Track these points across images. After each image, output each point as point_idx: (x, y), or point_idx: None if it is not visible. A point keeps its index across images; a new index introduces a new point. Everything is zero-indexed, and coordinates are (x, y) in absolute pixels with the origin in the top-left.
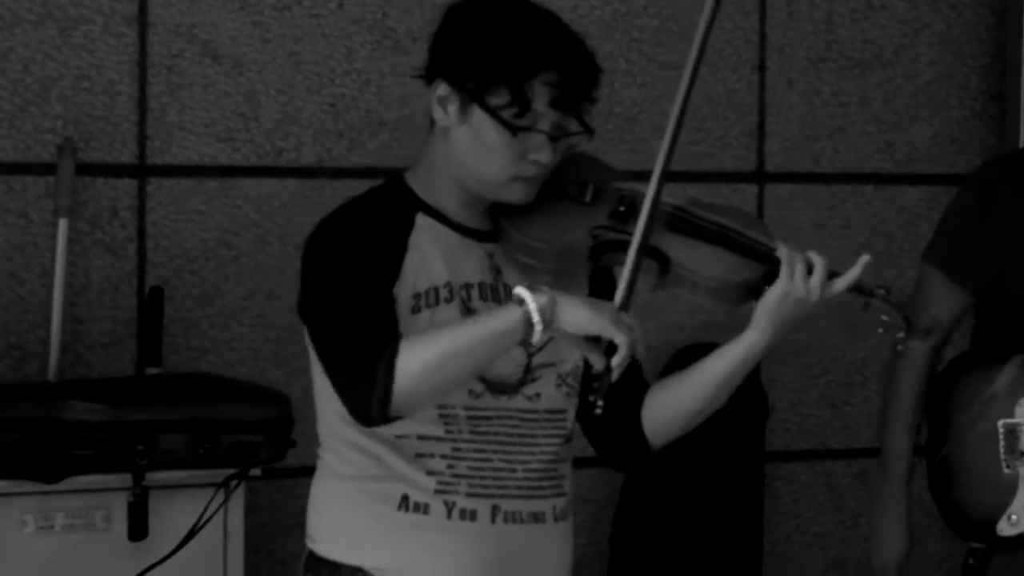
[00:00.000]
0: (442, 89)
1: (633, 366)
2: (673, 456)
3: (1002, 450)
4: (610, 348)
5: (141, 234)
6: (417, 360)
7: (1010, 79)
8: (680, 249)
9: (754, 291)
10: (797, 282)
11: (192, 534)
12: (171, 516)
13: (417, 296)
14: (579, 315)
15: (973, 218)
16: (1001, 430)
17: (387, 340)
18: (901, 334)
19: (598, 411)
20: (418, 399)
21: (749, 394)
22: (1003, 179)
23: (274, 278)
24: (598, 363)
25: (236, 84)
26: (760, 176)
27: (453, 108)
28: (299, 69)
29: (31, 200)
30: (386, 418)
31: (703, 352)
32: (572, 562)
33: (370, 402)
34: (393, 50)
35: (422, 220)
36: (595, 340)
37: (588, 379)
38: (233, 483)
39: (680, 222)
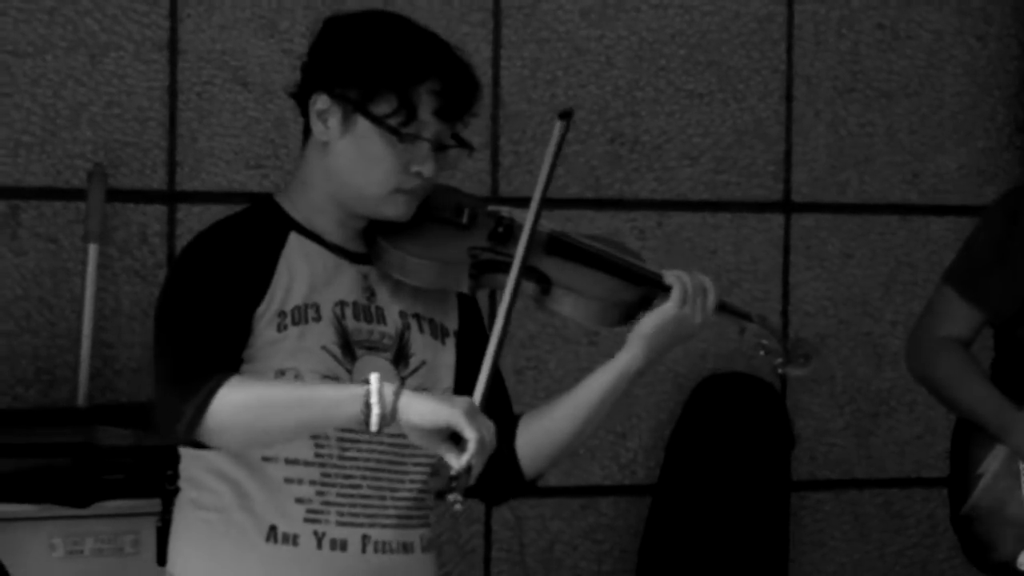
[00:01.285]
0: (322, 102)
1: (500, 396)
2: (700, 485)
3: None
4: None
5: (170, 260)
6: (240, 395)
7: None
8: (559, 270)
9: (631, 313)
10: (687, 307)
11: None
12: None
13: (283, 314)
14: (423, 406)
15: (996, 243)
16: (1023, 468)
17: (220, 367)
18: (779, 359)
19: (457, 508)
20: (228, 433)
21: (775, 423)
22: None
23: None
24: (454, 461)
25: (265, 111)
26: (787, 206)
27: (334, 120)
28: None
29: (61, 225)
30: (190, 438)
31: (728, 381)
32: None
33: (180, 415)
34: None
35: (295, 239)
36: (451, 438)
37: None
38: None
39: (558, 245)
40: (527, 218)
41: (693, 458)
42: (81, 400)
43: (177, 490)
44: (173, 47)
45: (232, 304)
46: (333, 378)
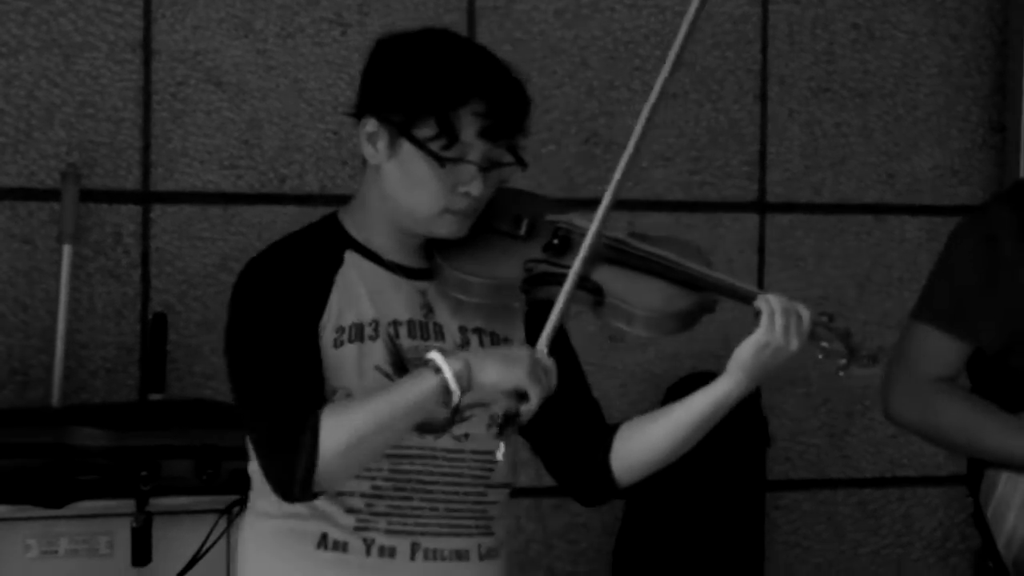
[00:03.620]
0: (371, 125)
1: (590, 407)
2: (675, 485)
3: None
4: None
5: (145, 260)
6: (339, 438)
7: (1011, 110)
8: (614, 280)
9: (689, 320)
10: (777, 333)
11: (195, 560)
12: (174, 542)
13: (340, 330)
14: (494, 374)
15: (981, 270)
16: None
17: (309, 409)
18: (843, 360)
19: (499, 455)
20: (342, 475)
21: (750, 423)
22: (1005, 227)
23: None
24: (510, 407)
25: (239, 111)
26: (761, 206)
27: (382, 144)
28: (302, 97)
29: (35, 226)
30: (309, 495)
31: (703, 381)
32: None
33: (292, 480)
34: None
35: (351, 257)
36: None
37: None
38: (236, 510)
39: (614, 253)
40: (592, 223)
41: None
42: (55, 400)
43: (150, 491)
44: (147, 47)
45: (300, 328)
46: None
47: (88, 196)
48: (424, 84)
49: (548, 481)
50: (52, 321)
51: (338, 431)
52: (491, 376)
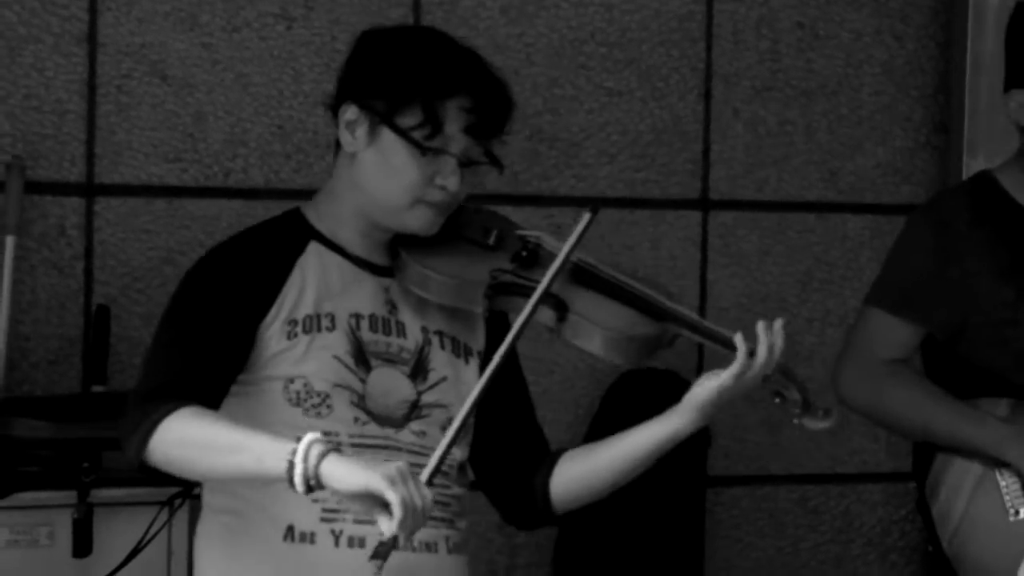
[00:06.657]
0: (351, 113)
1: (533, 430)
2: None
3: (1006, 497)
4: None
5: (88, 252)
6: (180, 432)
7: (953, 110)
8: (579, 298)
9: (649, 347)
10: (749, 374)
11: (136, 551)
12: (115, 533)
13: (293, 323)
14: (345, 471)
15: (933, 255)
16: (999, 477)
17: (177, 397)
18: (797, 410)
19: (376, 573)
20: (168, 465)
21: None
22: (958, 214)
23: None
24: (384, 527)
25: (184, 104)
26: (704, 203)
27: (361, 131)
28: (247, 91)
29: None
30: (139, 463)
31: (645, 377)
32: None
33: (128, 447)
34: None
35: (314, 248)
36: (385, 504)
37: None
38: (177, 502)
39: (583, 274)
40: (562, 249)
41: None
42: None
43: (91, 483)
44: (92, 40)
45: (231, 322)
46: (345, 387)
47: (32, 188)
48: (412, 73)
49: None
50: None
51: (183, 425)
52: (340, 472)
